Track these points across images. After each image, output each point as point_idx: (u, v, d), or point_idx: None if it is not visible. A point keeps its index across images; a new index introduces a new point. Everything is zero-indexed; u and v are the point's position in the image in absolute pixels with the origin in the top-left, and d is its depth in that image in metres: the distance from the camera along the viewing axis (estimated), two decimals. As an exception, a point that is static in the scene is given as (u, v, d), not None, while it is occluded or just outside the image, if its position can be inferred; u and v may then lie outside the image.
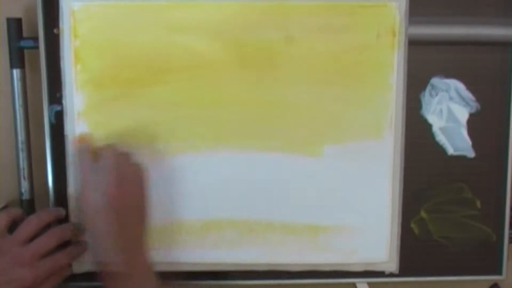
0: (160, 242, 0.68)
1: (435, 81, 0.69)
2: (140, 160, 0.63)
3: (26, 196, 0.69)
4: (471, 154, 0.70)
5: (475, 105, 0.70)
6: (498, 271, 0.72)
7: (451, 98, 0.69)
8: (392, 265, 0.70)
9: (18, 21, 0.67)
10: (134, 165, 0.63)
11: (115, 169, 0.60)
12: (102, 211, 0.59)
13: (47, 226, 0.64)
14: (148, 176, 0.63)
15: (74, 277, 0.68)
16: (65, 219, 0.67)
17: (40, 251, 0.61)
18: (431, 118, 0.69)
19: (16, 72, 0.67)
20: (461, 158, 0.70)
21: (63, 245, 0.64)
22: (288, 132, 0.67)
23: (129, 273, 0.59)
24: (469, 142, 0.70)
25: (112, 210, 0.59)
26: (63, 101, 0.66)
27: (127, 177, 0.61)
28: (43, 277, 0.60)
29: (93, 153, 0.63)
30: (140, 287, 0.60)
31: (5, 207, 0.71)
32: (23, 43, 0.67)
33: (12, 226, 0.63)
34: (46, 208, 0.68)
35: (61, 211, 0.66)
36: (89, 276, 0.68)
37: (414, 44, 0.67)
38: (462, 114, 0.70)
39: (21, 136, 0.68)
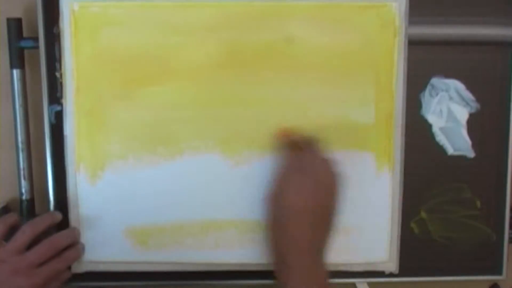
0: (160, 242, 0.68)
1: (435, 81, 0.69)
2: (337, 168, 0.61)
3: (26, 196, 0.69)
4: (471, 154, 0.70)
5: (475, 105, 0.70)
6: (498, 271, 0.72)
7: (451, 98, 0.69)
8: (392, 265, 0.70)
9: (18, 21, 0.67)
10: (334, 172, 0.60)
11: (320, 173, 0.58)
12: (301, 213, 0.57)
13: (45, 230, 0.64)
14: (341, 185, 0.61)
15: (74, 277, 0.68)
16: (65, 220, 0.67)
17: (37, 260, 0.61)
18: (431, 118, 0.69)
19: (16, 72, 0.67)
20: (461, 158, 0.70)
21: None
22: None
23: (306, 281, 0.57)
24: (469, 142, 0.70)
25: (311, 215, 0.58)
26: (63, 101, 0.66)
27: (328, 185, 0.59)
28: (41, 285, 0.61)
29: (297, 150, 0.60)
30: None
31: (5, 207, 0.71)
32: (23, 43, 0.67)
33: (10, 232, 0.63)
34: (42, 214, 0.67)
35: (57, 216, 0.66)
36: (89, 276, 0.68)
37: (414, 44, 0.67)
38: (462, 114, 0.70)
39: (21, 136, 0.68)
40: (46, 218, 0.65)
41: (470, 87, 0.69)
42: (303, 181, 0.58)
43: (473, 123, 0.70)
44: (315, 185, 0.58)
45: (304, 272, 0.57)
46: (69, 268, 0.67)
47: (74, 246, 0.66)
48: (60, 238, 0.64)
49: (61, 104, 0.66)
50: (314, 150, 0.61)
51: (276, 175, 0.61)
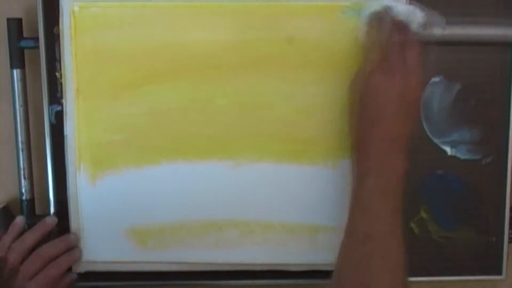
0: (160, 242, 0.68)
1: (435, 81, 0.69)
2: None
3: (26, 196, 0.69)
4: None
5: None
6: (498, 271, 0.72)
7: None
8: (392, 265, 0.70)
9: (18, 21, 0.67)
10: (421, 76, 0.59)
11: (407, 74, 0.57)
12: (391, 102, 0.56)
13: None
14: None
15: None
16: (65, 220, 0.67)
17: (28, 274, 0.63)
18: (431, 118, 0.69)
19: (16, 72, 0.67)
20: (461, 158, 0.70)
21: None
22: (282, 137, 0.67)
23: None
24: (469, 142, 0.70)
25: (398, 106, 0.56)
26: (63, 101, 0.66)
27: (415, 85, 0.58)
28: None
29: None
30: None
31: (5, 207, 0.71)
32: (23, 43, 0.67)
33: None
34: (32, 228, 0.66)
35: (49, 222, 0.67)
36: (89, 276, 0.68)
37: (414, 44, 0.67)
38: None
39: (21, 136, 0.68)
40: (38, 229, 0.66)
41: (470, 87, 0.69)
42: (391, 79, 0.56)
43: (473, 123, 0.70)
44: (403, 82, 0.56)
45: (386, 161, 0.56)
46: (70, 269, 0.67)
47: (70, 251, 0.66)
48: (48, 249, 0.65)
49: (61, 104, 0.66)
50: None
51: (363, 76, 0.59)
